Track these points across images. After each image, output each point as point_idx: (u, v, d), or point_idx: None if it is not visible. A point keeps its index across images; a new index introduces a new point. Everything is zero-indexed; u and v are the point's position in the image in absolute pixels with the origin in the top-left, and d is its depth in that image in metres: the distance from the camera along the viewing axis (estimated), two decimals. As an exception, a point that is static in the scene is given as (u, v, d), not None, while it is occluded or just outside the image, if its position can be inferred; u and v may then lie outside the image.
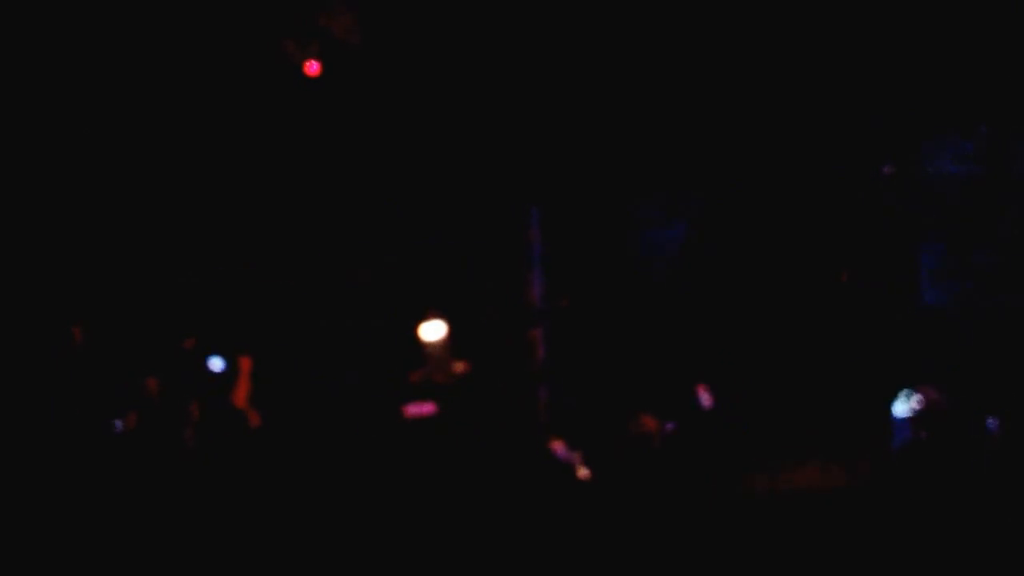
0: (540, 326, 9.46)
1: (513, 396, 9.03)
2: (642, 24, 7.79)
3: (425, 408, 8.24)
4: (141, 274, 8.78)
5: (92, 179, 8.06)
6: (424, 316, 10.13)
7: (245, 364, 6.42)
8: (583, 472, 5.50)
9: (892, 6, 7.32)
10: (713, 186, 9.30)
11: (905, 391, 4.43)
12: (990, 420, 4.99)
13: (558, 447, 7.20)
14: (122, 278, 8.63)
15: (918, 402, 4.43)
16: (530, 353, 9.52)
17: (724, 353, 8.36)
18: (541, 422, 8.81)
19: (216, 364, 7.18)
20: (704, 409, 8.24)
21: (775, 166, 8.69)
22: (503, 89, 8.20)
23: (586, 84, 8.25)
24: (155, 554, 4.69)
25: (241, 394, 6.34)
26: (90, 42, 7.13)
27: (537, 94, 8.30)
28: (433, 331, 10.22)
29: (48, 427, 6.37)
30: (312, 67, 7.70)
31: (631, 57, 8.03)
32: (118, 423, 6.60)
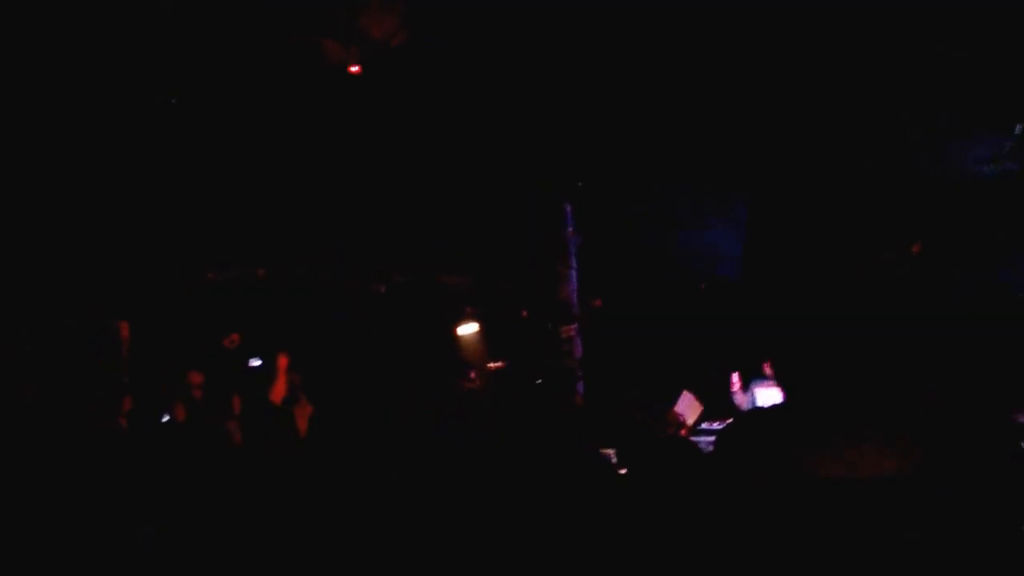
0: (576, 323, 9.49)
1: (551, 392, 9.05)
2: (679, 25, 7.76)
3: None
4: (186, 273, 8.95)
5: (140, 182, 8.20)
6: (461, 316, 10.25)
7: (283, 361, 6.52)
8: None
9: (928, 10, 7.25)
10: (753, 184, 9.26)
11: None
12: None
13: None
14: (168, 277, 8.81)
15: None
16: (567, 350, 9.55)
17: (771, 343, 8.28)
18: (579, 417, 8.82)
19: (254, 361, 7.31)
20: (738, 405, 8.28)
21: (812, 162, 8.63)
22: (539, 86, 8.20)
23: (622, 83, 8.23)
24: (195, 542, 4.80)
25: (279, 390, 6.45)
26: (132, 46, 7.26)
27: (573, 91, 8.28)
28: (469, 331, 10.34)
29: (94, 419, 6.53)
30: (354, 68, 7.75)
31: (668, 57, 8.00)
32: (165, 414, 6.75)
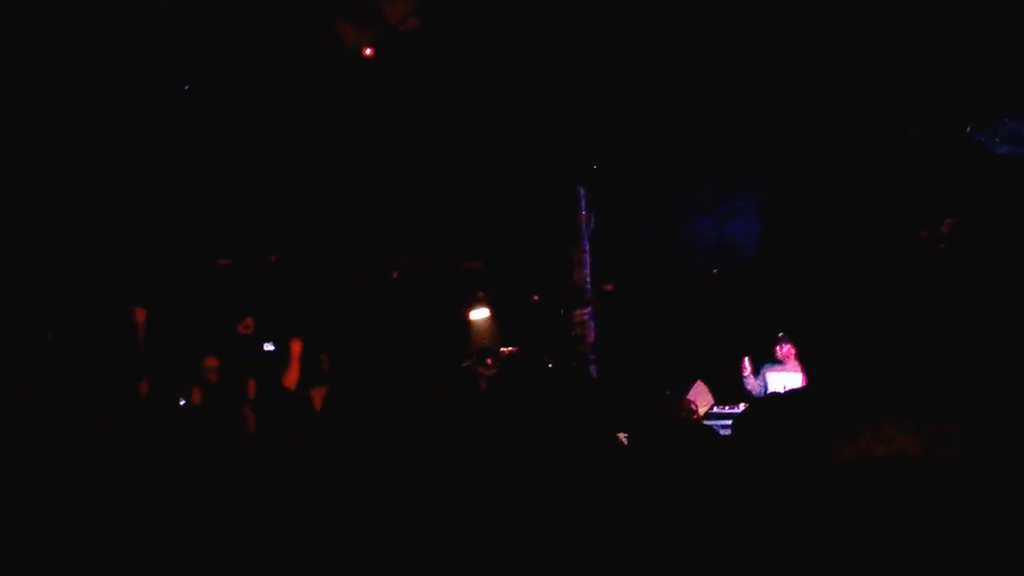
0: (589, 307, 9.51)
1: (563, 376, 9.07)
2: (694, 13, 7.77)
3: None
4: (201, 260, 9.01)
5: (155, 170, 8.25)
6: (473, 300, 10.29)
7: (296, 347, 6.55)
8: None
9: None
10: (767, 173, 9.32)
11: None
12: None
13: None
14: (182, 263, 8.86)
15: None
16: (580, 334, 9.57)
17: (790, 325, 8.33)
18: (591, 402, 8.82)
19: (268, 347, 7.36)
20: (749, 389, 8.29)
21: (825, 152, 8.67)
22: (554, 71, 8.20)
23: (638, 68, 8.23)
24: (210, 525, 4.84)
25: (292, 376, 6.48)
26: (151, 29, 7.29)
27: (588, 76, 8.28)
28: (479, 315, 10.38)
29: (113, 402, 6.59)
30: (367, 51, 7.77)
31: (682, 45, 8.00)
32: (181, 399, 6.82)
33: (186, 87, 7.85)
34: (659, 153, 9.23)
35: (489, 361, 8.82)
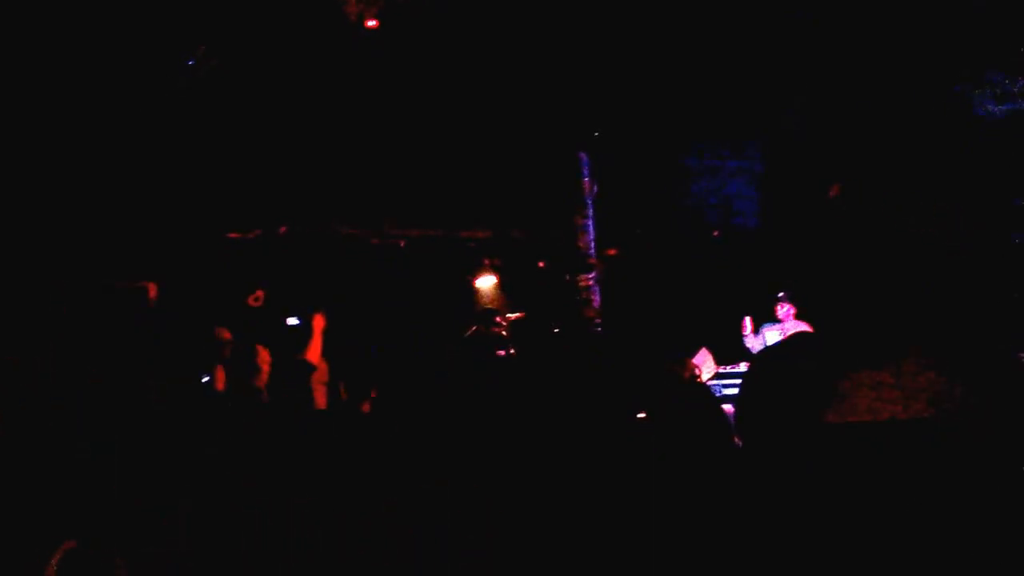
0: (593, 272, 9.62)
1: (569, 342, 9.19)
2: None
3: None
4: (208, 233, 9.11)
5: (165, 139, 8.31)
6: (478, 268, 10.40)
7: (319, 321, 6.63)
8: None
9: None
10: (768, 135, 9.39)
11: None
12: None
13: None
14: (191, 238, 8.96)
15: None
16: (585, 299, 9.68)
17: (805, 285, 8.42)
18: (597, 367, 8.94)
19: (291, 321, 7.46)
20: (749, 349, 8.46)
21: (826, 111, 8.71)
22: (553, 36, 8.23)
23: (636, 33, 8.26)
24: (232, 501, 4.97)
25: (315, 350, 6.57)
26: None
27: (587, 41, 8.31)
28: (486, 282, 10.50)
29: (133, 382, 6.71)
30: (371, 22, 7.79)
31: (680, 7, 8.03)
32: (204, 375, 6.92)
33: (191, 62, 7.91)
34: (659, 117, 9.29)
35: (498, 319, 8.92)
